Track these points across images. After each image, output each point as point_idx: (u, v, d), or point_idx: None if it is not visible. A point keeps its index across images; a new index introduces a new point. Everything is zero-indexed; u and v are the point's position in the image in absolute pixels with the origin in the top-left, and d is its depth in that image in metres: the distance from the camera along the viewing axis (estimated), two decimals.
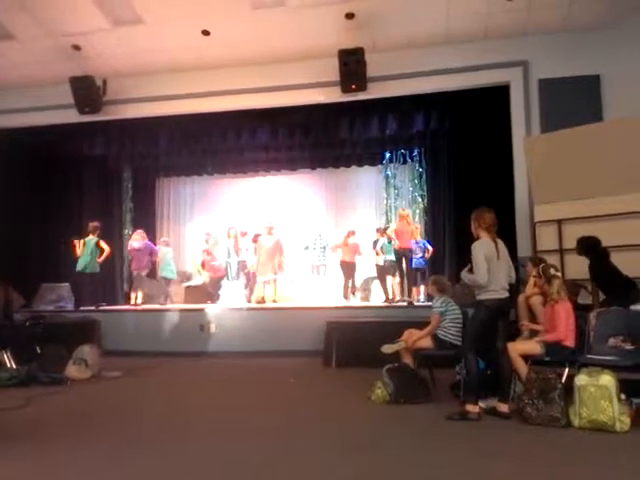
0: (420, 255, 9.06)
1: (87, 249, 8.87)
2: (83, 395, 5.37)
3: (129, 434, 3.83)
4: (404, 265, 8.98)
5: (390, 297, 8.97)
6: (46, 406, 4.82)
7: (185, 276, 11.50)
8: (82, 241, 8.94)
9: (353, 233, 9.84)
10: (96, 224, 9.16)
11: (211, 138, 9.98)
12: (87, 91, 8.84)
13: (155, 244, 10.23)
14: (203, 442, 3.61)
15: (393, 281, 9.09)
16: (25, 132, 9.39)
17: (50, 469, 3.11)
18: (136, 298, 9.39)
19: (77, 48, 8.44)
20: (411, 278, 9.04)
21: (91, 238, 8.95)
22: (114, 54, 8.59)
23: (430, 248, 9.27)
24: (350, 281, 9.70)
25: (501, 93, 8.14)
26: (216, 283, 10.30)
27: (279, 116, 9.36)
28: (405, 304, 8.63)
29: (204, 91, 8.83)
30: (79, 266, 8.86)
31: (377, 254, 9.14)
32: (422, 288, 9.02)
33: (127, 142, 10.22)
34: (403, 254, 8.89)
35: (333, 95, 8.57)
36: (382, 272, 9.13)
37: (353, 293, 9.70)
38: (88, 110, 9.02)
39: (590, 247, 5.27)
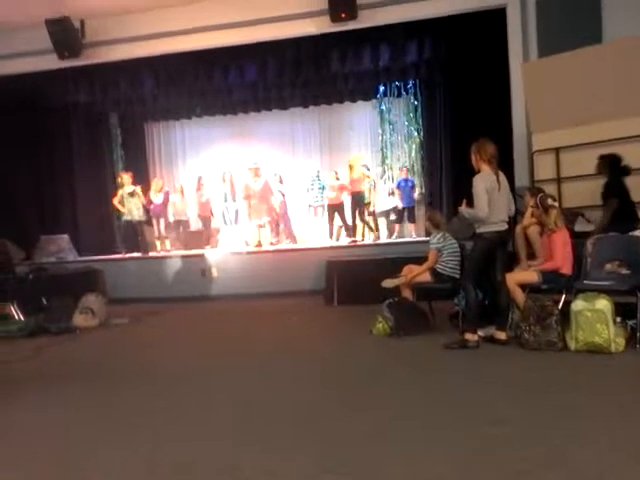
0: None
1: (130, 199, 9.08)
2: (93, 343, 5.51)
3: (144, 381, 3.92)
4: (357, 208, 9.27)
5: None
6: (58, 355, 4.94)
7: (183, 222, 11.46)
8: (120, 194, 9.20)
9: (336, 173, 9.86)
10: (130, 173, 9.46)
11: (197, 79, 9.63)
12: (65, 34, 8.46)
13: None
14: (213, 385, 3.74)
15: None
16: (4, 81, 9.04)
17: (64, 418, 3.22)
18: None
19: None
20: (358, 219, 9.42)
21: (133, 187, 9.15)
22: None
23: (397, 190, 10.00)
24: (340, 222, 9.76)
25: (497, 17, 7.78)
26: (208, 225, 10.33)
27: (267, 52, 8.99)
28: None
29: (187, 28, 8.44)
30: (127, 216, 9.11)
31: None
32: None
33: (112, 87, 9.88)
34: (355, 198, 9.15)
35: (322, 25, 8.20)
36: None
37: (347, 234, 9.66)
38: (68, 54, 8.66)
39: (614, 164, 5.17)
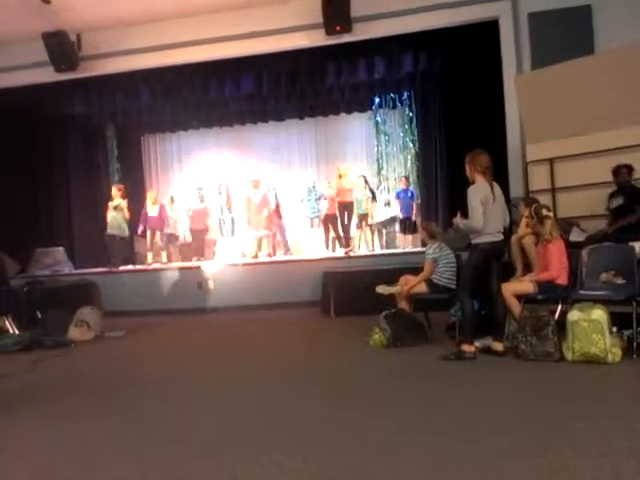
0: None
1: (112, 213, 9.03)
2: (88, 356, 5.46)
3: (140, 395, 3.87)
4: (345, 218, 9.22)
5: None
6: (53, 369, 4.90)
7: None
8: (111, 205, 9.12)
9: (329, 182, 9.91)
10: (121, 186, 9.34)
11: (194, 91, 9.70)
12: (61, 47, 8.49)
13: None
14: (210, 397, 3.71)
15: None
16: (2, 94, 9.07)
17: (62, 432, 3.19)
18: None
19: (46, 1, 8.01)
20: (350, 230, 9.38)
21: (119, 201, 9.06)
22: (86, 6, 8.16)
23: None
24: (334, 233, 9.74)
25: (490, 30, 7.87)
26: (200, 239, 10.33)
27: (263, 64, 9.08)
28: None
29: (183, 41, 8.49)
30: (109, 230, 9.06)
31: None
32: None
33: (108, 99, 9.94)
34: (344, 208, 9.08)
35: (317, 38, 8.26)
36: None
37: (340, 245, 9.63)
38: (65, 67, 8.70)
39: (632, 172, 5.30)
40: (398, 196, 10.07)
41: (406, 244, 9.91)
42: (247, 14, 8.31)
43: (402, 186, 10.10)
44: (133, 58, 8.75)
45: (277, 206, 10.15)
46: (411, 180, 10.77)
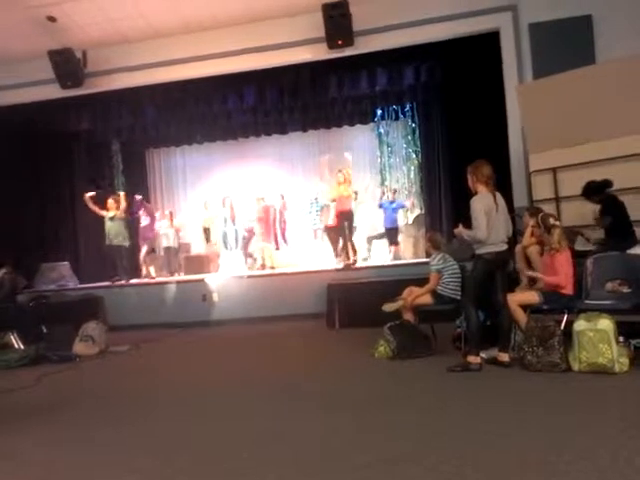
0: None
1: (114, 222, 9.07)
2: (92, 371, 5.47)
3: (145, 410, 3.86)
4: (346, 228, 8.76)
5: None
6: (58, 384, 4.90)
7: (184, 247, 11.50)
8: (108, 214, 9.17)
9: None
10: (117, 197, 9.45)
11: (198, 106, 9.78)
12: (67, 64, 8.63)
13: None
14: (215, 411, 3.69)
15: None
16: (8, 111, 9.19)
17: (68, 447, 3.18)
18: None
19: (52, 20, 8.16)
20: (352, 240, 9.02)
21: (115, 212, 9.13)
22: (91, 23, 8.30)
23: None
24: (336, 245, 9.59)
25: (491, 41, 7.93)
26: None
27: (266, 78, 9.15)
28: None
29: (186, 56, 8.62)
30: (106, 241, 9.14)
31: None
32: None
33: (113, 115, 10.02)
34: (344, 218, 8.69)
35: (320, 52, 8.35)
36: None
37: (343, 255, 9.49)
38: (70, 84, 8.82)
39: (604, 188, 5.32)
40: (381, 206, 10.05)
41: (402, 255, 9.87)
42: (250, 30, 8.41)
43: (389, 198, 10.09)
44: (137, 74, 8.86)
45: (274, 219, 10.11)
46: (414, 190, 10.79)
